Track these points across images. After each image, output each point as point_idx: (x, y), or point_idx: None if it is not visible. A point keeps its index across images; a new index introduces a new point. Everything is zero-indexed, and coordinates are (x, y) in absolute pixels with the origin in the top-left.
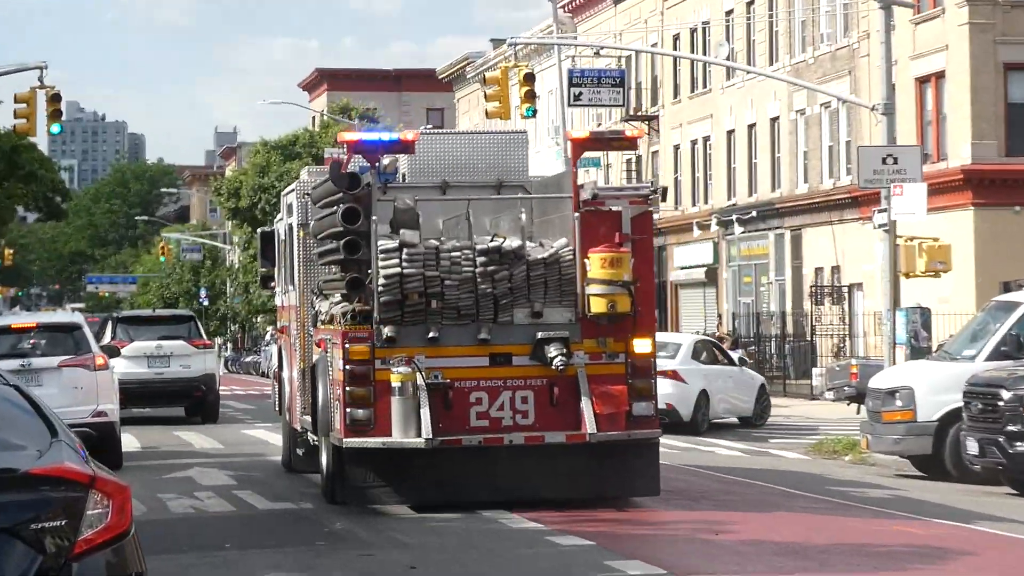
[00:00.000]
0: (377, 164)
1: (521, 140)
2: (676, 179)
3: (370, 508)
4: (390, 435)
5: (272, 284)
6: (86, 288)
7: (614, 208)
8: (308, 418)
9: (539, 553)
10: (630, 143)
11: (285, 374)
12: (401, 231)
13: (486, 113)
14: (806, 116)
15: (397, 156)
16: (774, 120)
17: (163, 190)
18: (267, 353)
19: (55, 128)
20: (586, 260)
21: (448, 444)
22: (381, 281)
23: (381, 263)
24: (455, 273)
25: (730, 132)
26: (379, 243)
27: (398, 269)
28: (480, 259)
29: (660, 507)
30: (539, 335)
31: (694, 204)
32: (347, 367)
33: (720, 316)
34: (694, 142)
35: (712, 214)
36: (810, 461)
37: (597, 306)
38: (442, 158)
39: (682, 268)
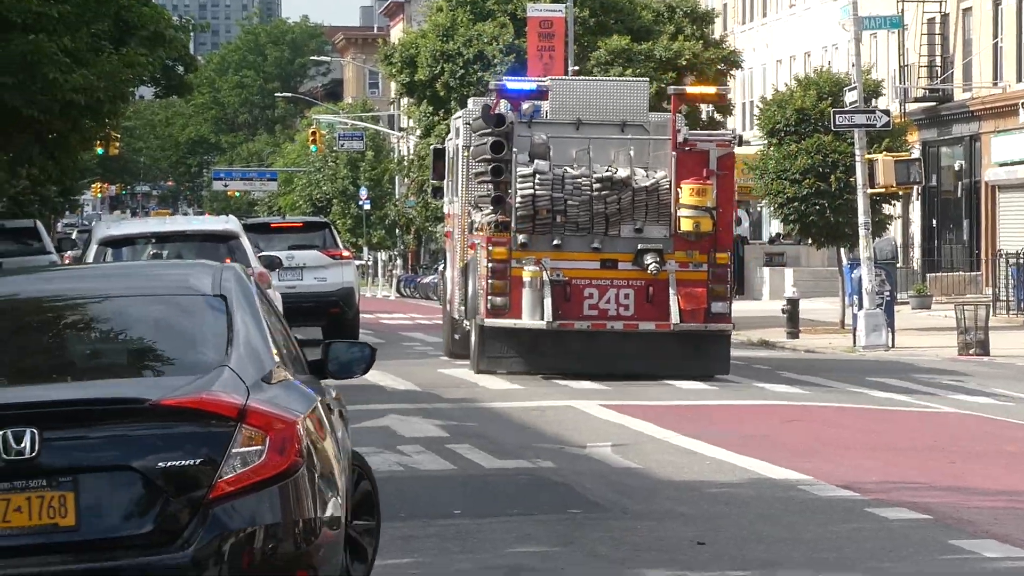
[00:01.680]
0: (519, 107)
1: (642, 88)
2: (996, 45)
3: (626, 468)
4: (520, 318)
5: (442, 195)
6: (210, 186)
7: (703, 148)
8: (463, 308)
9: (861, 529)
10: (717, 100)
11: (448, 273)
12: (535, 160)
13: None
14: None
15: (535, 102)
16: None
17: (310, 59)
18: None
19: None
20: (679, 189)
21: (564, 327)
22: (518, 199)
23: (519, 185)
24: (576, 195)
25: None
26: (518, 170)
27: (531, 190)
28: (596, 185)
29: (1005, 474)
30: (639, 246)
31: (1020, 79)
32: (489, 264)
33: None
34: None
35: None
36: None
37: (686, 225)
38: (579, 100)
39: (1003, 164)
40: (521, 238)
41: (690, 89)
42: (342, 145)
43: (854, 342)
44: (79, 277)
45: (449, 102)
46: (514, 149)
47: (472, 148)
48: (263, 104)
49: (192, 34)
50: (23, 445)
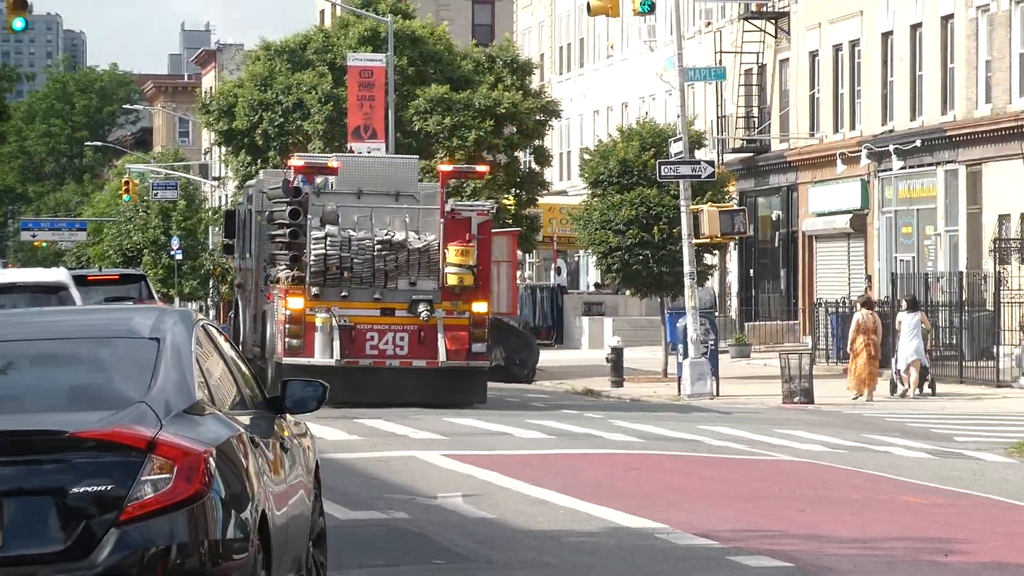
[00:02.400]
0: (312, 180)
1: (412, 164)
2: (813, 97)
3: (481, 518)
4: (313, 356)
5: (232, 251)
6: (18, 235)
7: (466, 216)
8: (256, 348)
9: None
10: (478, 176)
11: (241, 318)
12: (326, 225)
13: (588, 8)
14: (990, 14)
15: (326, 176)
16: (947, 19)
17: (120, 107)
18: None
19: (17, 24)
20: (446, 250)
21: (350, 364)
22: (312, 258)
23: (313, 246)
24: (360, 255)
25: (886, 35)
26: (311, 233)
27: (323, 251)
28: (377, 246)
29: (857, 520)
30: (413, 297)
31: (837, 130)
32: (287, 312)
33: (870, 278)
34: (838, 48)
35: (861, 144)
36: (1019, 465)
37: (452, 280)
38: (360, 173)
39: (819, 215)
40: (314, 290)
41: (453, 167)
42: (156, 195)
43: (679, 390)
44: (25, 321)
45: (267, 151)
46: (308, 216)
47: (269, 213)
48: (71, 153)
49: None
50: None
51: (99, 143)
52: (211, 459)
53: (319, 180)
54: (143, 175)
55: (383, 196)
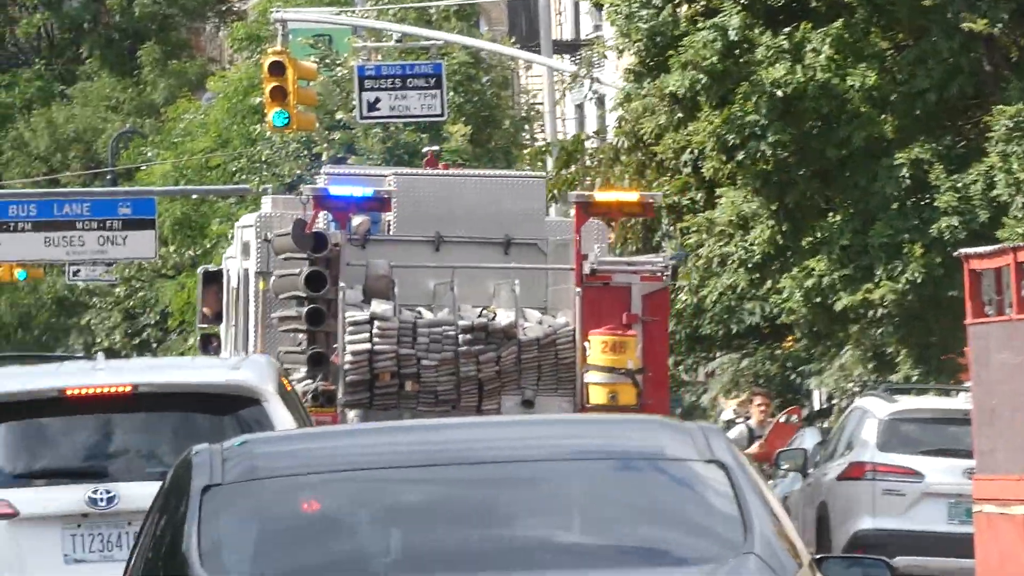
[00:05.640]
0: (347, 222)
1: (536, 188)
2: None
3: None
4: None
5: (214, 345)
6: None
7: (623, 283)
8: None
9: None
10: (643, 211)
11: None
12: (373, 301)
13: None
14: None
15: (371, 214)
16: None
17: None
18: None
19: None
20: (586, 343)
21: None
22: (348, 358)
23: (349, 338)
24: (434, 352)
25: None
26: (347, 314)
27: (367, 345)
28: (465, 337)
29: None
30: None
31: None
32: None
33: None
34: None
35: None
36: None
37: (597, 396)
38: (439, 205)
39: None
40: (352, 416)
41: (601, 196)
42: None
43: None
44: (503, 436)
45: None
46: (341, 284)
47: (274, 279)
48: None
49: None
50: None
51: None
52: None
53: (358, 220)
54: None
55: (479, 246)
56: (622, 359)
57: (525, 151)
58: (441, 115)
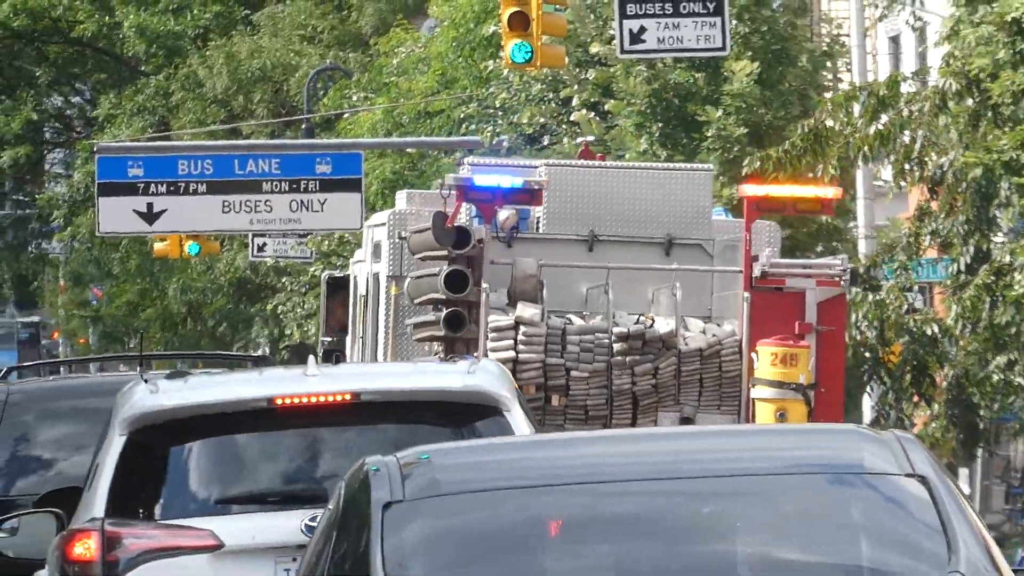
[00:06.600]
0: (493, 216)
1: (704, 180)
2: None
3: None
4: None
5: (334, 354)
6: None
7: (796, 287)
8: None
9: None
10: (823, 209)
11: None
12: (519, 304)
13: None
14: None
15: (520, 208)
16: None
17: None
18: None
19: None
20: (754, 355)
21: None
22: None
23: (492, 344)
24: (585, 362)
25: None
26: (490, 319)
27: (511, 353)
28: (619, 346)
29: None
30: None
31: None
32: None
33: None
34: None
35: None
36: None
37: (764, 414)
38: (593, 200)
39: None
40: None
41: (769, 191)
42: None
43: None
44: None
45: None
46: (484, 285)
47: (409, 281)
48: None
49: None
50: None
51: None
52: None
53: (505, 214)
54: None
55: (638, 246)
56: (793, 373)
57: (826, 95)
58: (723, 49)
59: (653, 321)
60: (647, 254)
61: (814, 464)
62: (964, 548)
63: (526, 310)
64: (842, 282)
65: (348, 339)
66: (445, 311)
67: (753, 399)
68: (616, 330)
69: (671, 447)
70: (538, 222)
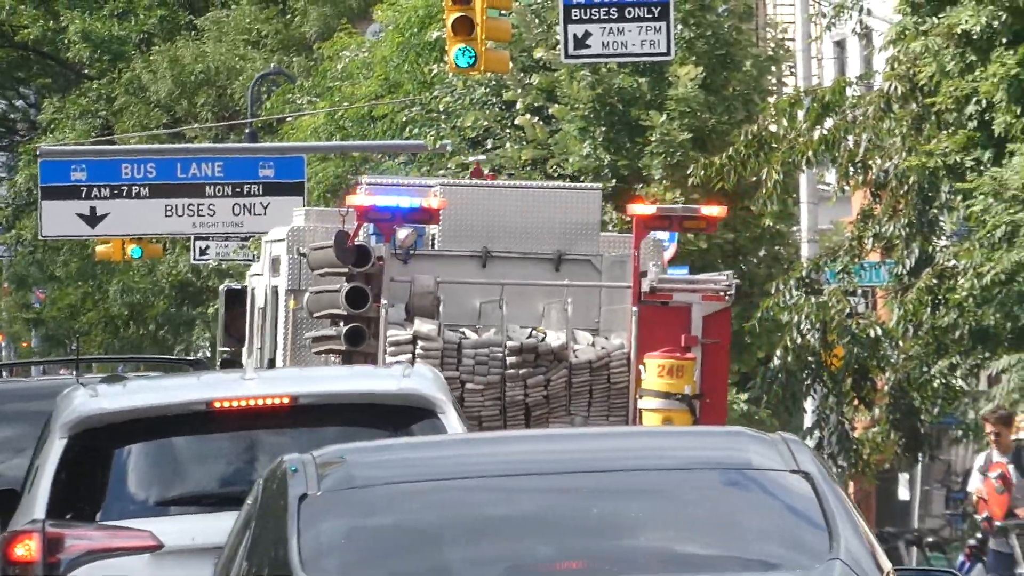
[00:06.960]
0: (392, 234)
1: (592, 199)
2: None
3: None
4: None
5: (231, 365)
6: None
7: (682, 301)
8: None
9: None
10: (704, 226)
11: None
12: (416, 320)
13: None
14: None
15: (417, 227)
16: None
17: None
18: None
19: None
20: (641, 367)
21: None
22: None
23: (390, 358)
24: (479, 375)
25: None
26: (389, 334)
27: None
28: (512, 359)
29: None
30: None
31: None
32: None
33: None
34: None
35: None
36: None
37: (652, 423)
38: (486, 218)
39: None
40: None
41: (657, 210)
42: None
43: None
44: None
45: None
46: (383, 301)
47: (309, 296)
48: None
49: None
50: None
51: None
52: None
53: (403, 233)
54: None
55: (529, 262)
56: (679, 384)
57: (770, 100)
58: (667, 54)
59: (545, 335)
60: (538, 269)
61: (705, 462)
62: (845, 540)
63: (423, 325)
64: (727, 296)
65: (245, 350)
66: (345, 326)
67: (640, 409)
68: (509, 344)
69: (576, 446)
70: (433, 239)
